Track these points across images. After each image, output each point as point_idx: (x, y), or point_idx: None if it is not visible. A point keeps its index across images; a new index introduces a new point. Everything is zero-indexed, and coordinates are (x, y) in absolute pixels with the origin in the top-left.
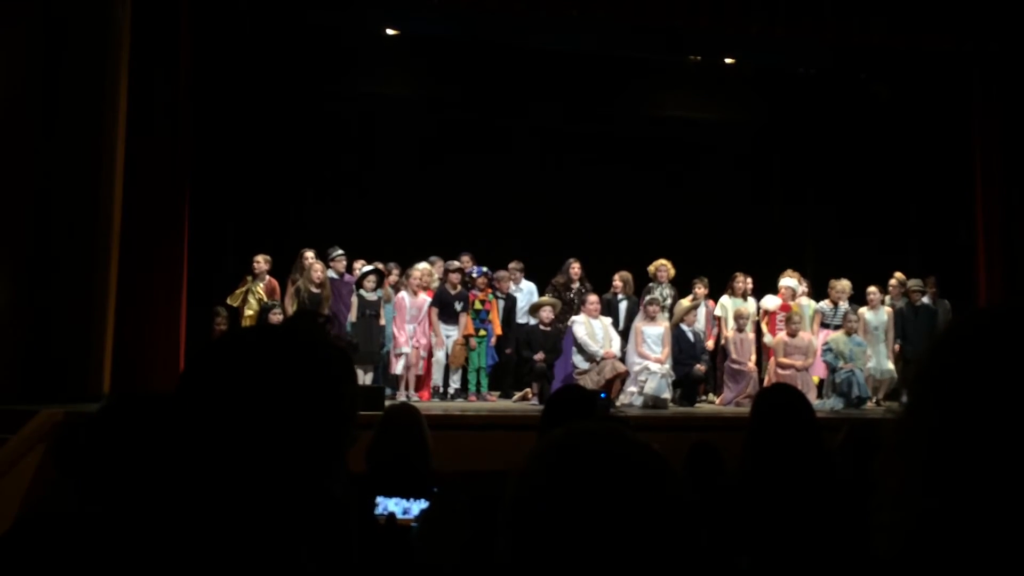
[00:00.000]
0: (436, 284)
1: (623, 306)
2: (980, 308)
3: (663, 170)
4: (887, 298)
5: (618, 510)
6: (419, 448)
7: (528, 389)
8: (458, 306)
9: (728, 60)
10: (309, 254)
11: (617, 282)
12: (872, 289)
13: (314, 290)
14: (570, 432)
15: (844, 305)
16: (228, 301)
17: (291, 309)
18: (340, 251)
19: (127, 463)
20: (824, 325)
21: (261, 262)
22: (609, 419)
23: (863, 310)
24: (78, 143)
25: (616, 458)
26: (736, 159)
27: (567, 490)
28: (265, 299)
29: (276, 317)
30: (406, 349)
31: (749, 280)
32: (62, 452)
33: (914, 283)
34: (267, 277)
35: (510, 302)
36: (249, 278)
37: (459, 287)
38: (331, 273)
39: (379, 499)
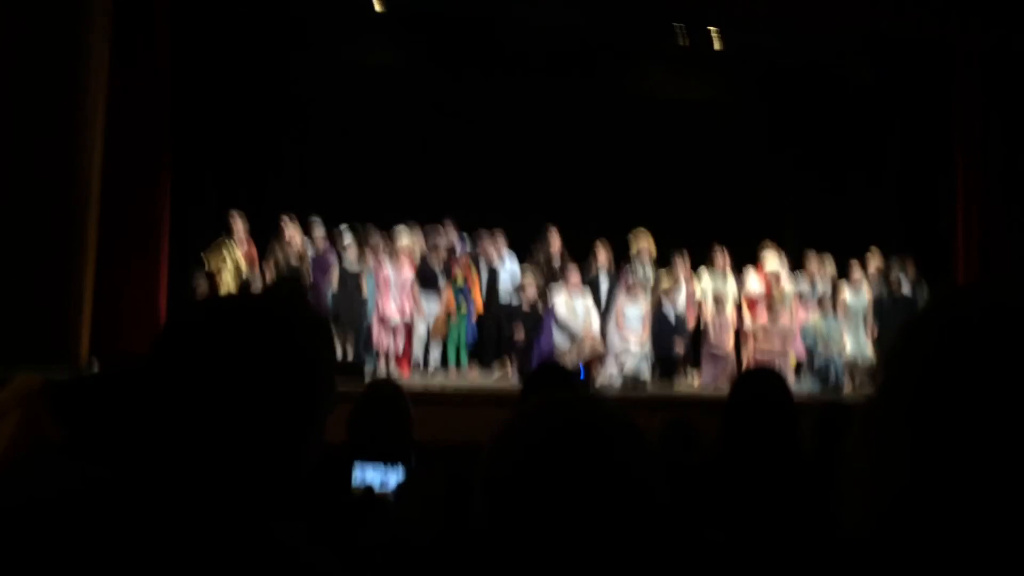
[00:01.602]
0: (417, 257)
1: (605, 285)
2: (955, 288)
3: (646, 149)
4: (866, 284)
5: (590, 478)
6: (402, 425)
7: (508, 365)
8: (440, 281)
9: (715, 44)
10: (288, 225)
11: (602, 259)
12: (856, 274)
13: (293, 263)
14: (544, 401)
15: (822, 286)
16: (202, 254)
17: (269, 278)
18: (317, 219)
19: (121, 422)
20: (801, 297)
21: (236, 217)
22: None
23: (845, 292)
24: (54, 99)
25: (589, 426)
26: (718, 140)
27: (540, 457)
28: (243, 264)
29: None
30: (394, 317)
31: (726, 254)
32: (62, 402)
33: (896, 274)
34: (245, 245)
35: (492, 276)
36: (224, 237)
37: (443, 262)
38: (310, 251)
39: (356, 464)
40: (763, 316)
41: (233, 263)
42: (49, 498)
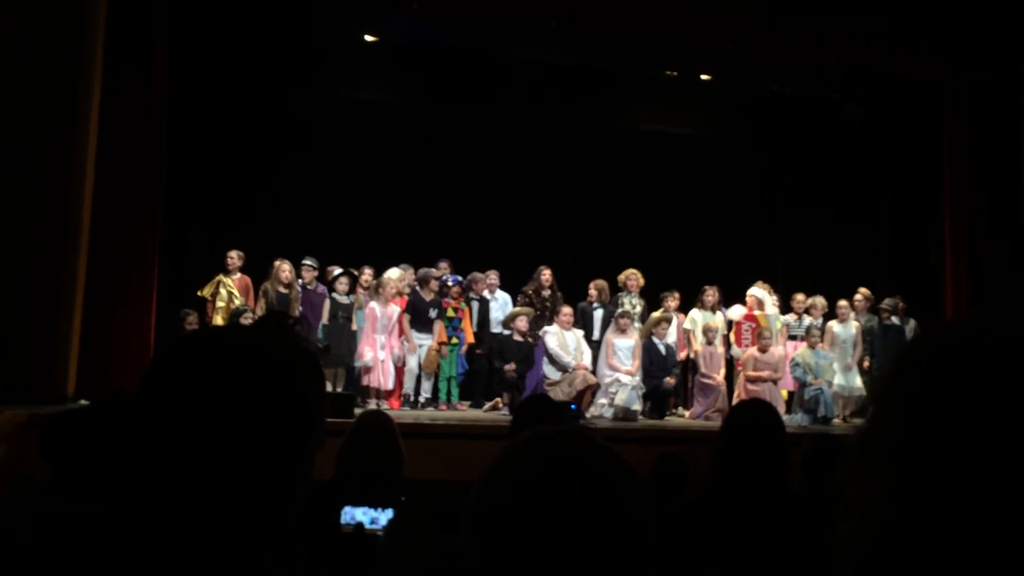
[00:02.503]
0: (407, 291)
1: (598, 315)
2: (944, 323)
3: (637, 182)
4: (853, 313)
5: (581, 514)
6: (391, 456)
7: (499, 399)
8: (432, 313)
9: (704, 77)
10: (280, 260)
11: (592, 291)
12: (842, 303)
13: (282, 291)
14: (535, 436)
15: (808, 319)
16: (199, 293)
17: (259, 311)
18: (310, 261)
19: (108, 459)
20: (791, 337)
21: (235, 257)
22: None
23: (832, 323)
24: (48, 133)
25: (579, 462)
26: (710, 174)
27: (531, 493)
28: (236, 293)
29: (247, 320)
30: (368, 360)
31: (716, 292)
32: (50, 439)
33: (887, 303)
34: (239, 274)
35: (484, 305)
36: (221, 275)
37: (434, 295)
38: (299, 281)
39: (346, 508)
40: (751, 342)
41: (227, 294)
42: (41, 533)
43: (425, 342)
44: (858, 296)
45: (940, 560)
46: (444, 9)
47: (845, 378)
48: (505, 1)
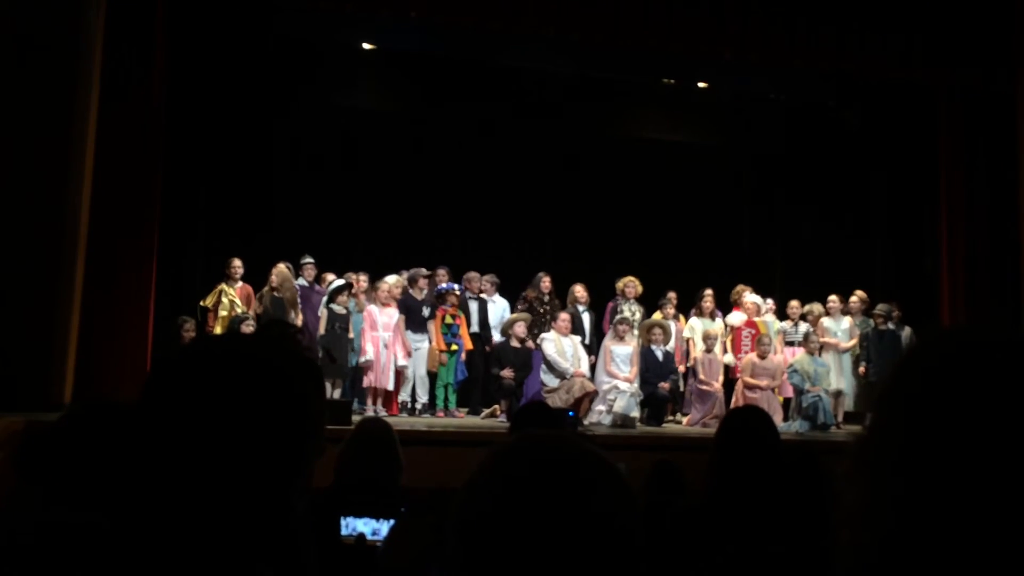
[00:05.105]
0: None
1: (586, 318)
2: (944, 328)
3: (634, 189)
4: (848, 318)
5: (566, 516)
6: (391, 464)
7: (496, 406)
8: (425, 312)
9: (701, 84)
10: (278, 265)
11: (581, 293)
12: (832, 297)
13: (276, 294)
14: (520, 439)
15: (805, 325)
16: (201, 303)
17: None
18: (310, 259)
19: (90, 471)
20: (788, 343)
21: (237, 266)
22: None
23: (823, 319)
24: (47, 139)
25: (564, 463)
26: (706, 181)
27: (514, 497)
28: (238, 301)
29: (248, 328)
30: (370, 356)
31: (712, 298)
32: (26, 458)
33: (881, 308)
34: (240, 282)
35: (483, 305)
36: (223, 284)
37: (424, 293)
38: (301, 281)
39: (348, 519)
40: (750, 348)
41: (229, 303)
42: (39, 544)
43: (422, 344)
44: (854, 299)
45: (941, 569)
46: (442, 18)
47: (840, 373)
48: (503, 10)
